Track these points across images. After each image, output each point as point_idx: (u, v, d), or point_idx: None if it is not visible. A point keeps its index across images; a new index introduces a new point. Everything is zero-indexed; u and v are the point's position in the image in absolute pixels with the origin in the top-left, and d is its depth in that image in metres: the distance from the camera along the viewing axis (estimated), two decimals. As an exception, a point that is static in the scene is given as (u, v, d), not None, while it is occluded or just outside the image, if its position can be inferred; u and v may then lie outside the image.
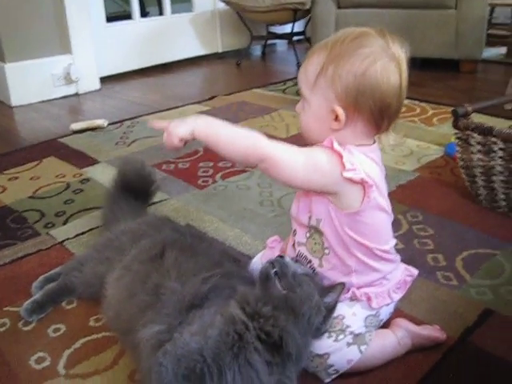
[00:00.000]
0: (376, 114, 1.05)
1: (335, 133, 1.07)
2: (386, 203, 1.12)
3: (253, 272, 1.29)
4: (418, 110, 2.89)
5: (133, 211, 1.58)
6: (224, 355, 0.95)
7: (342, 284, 1.11)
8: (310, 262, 1.17)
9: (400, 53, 1.06)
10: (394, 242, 1.19)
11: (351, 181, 1.03)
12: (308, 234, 1.16)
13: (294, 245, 1.21)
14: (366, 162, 1.06)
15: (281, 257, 1.11)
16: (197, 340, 0.96)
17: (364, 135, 1.09)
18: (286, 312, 1.01)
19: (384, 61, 1.03)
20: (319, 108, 1.07)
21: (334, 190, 1.06)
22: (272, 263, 1.08)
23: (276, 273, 1.06)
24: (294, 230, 1.21)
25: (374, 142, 1.12)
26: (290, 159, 1.05)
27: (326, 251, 1.13)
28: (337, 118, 1.05)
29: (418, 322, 1.23)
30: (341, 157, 1.02)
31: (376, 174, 1.08)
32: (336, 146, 1.03)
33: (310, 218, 1.13)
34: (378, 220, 1.12)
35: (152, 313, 1.08)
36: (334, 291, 1.09)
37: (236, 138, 1.08)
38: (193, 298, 1.09)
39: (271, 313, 1.00)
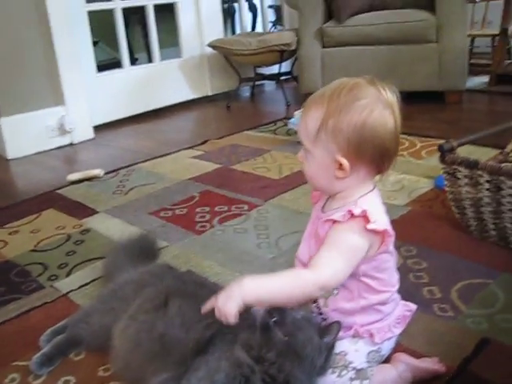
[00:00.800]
0: (377, 158, 1.12)
1: (340, 180, 1.13)
2: (391, 245, 1.18)
3: (255, 313, 1.32)
4: (407, 144, 2.92)
5: (134, 261, 1.61)
6: (231, 399, 0.98)
7: (338, 323, 1.14)
8: (315, 301, 1.21)
9: (392, 98, 1.12)
10: (398, 284, 1.25)
11: (374, 232, 1.09)
12: None
13: None
14: (376, 209, 1.13)
15: None
16: (204, 385, 0.99)
17: (367, 179, 1.15)
18: (290, 357, 1.03)
19: (380, 109, 1.09)
20: (323, 159, 1.12)
21: (368, 248, 1.12)
22: (270, 312, 1.10)
23: (275, 321, 1.08)
24: None
25: (375, 187, 1.18)
26: (338, 271, 1.10)
27: (335, 291, 1.17)
28: (341, 167, 1.10)
29: (417, 355, 1.26)
30: (365, 212, 1.08)
31: (385, 218, 1.15)
32: (357, 211, 1.08)
33: None
34: (388, 263, 1.19)
35: (159, 361, 1.11)
36: (332, 330, 1.12)
37: (288, 289, 1.09)
38: (197, 344, 1.11)
39: (275, 359, 1.03)
